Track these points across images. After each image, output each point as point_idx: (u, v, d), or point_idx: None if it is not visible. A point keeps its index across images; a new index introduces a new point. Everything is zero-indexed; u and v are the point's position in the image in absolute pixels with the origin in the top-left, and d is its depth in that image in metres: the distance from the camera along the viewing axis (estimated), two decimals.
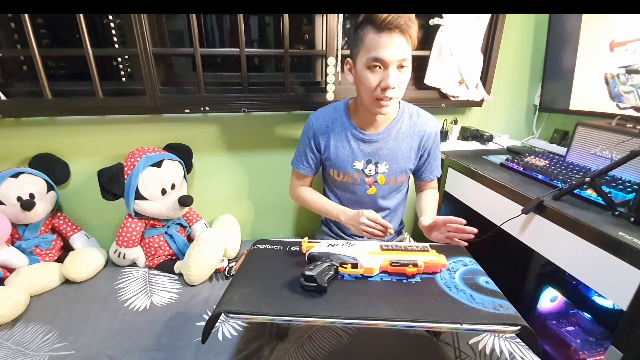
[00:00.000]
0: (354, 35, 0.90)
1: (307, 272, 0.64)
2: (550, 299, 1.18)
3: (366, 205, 1.07)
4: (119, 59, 1.28)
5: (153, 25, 1.18)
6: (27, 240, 1.13)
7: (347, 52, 1.24)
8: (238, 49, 1.18)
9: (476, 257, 0.81)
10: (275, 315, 0.61)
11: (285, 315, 0.61)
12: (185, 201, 1.16)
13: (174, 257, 1.24)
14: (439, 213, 1.34)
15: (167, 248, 1.23)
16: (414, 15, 0.84)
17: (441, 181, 1.26)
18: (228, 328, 0.93)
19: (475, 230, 0.84)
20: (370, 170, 1.03)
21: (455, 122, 1.48)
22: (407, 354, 0.85)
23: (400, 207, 1.16)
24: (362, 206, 1.04)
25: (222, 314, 0.61)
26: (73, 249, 1.21)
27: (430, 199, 1.10)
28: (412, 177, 1.14)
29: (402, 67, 0.87)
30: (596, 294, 1.04)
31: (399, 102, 1.04)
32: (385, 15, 0.81)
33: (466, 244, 0.86)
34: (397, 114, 1.02)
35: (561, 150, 1.29)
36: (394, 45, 0.83)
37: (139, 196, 1.14)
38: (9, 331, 0.93)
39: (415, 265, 0.71)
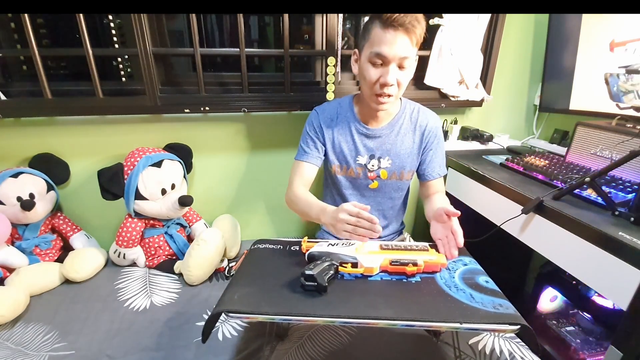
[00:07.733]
0: (364, 27, 0.91)
1: (307, 272, 0.64)
2: (550, 299, 1.18)
3: (367, 203, 1.04)
4: (119, 59, 1.28)
5: (153, 25, 1.18)
6: (27, 240, 1.13)
7: (347, 52, 1.25)
8: (238, 49, 1.18)
9: (476, 257, 0.81)
10: (275, 315, 0.61)
11: (285, 315, 0.61)
12: (185, 201, 1.16)
13: (174, 257, 1.23)
14: None
15: (167, 248, 1.23)
16: (421, 15, 0.84)
17: None
18: (228, 328, 0.93)
19: (460, 243, 0.77)
20: (373, 165, 1.04)
21: (455, 122, 1.48)
22: (407, 353, 0.85)
23: (401, 206, 1.15)
24: (364, 203, 1.01)
25: (222, 313, 0.61)
26: (73, 249, 1.21)
27: (441, 199, 1.02)
28: (415, 178, 1.13)
29: (403, 66, 0.87)
30: (596, 294, 1.04)
31: (400, 99, 1.04)
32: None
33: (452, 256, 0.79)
34: (399, 110, 1.03)
35: (561, 150, 1.29)
36: (397, 43, 0.83)
37: (139, 196, 1.14)
38: (9, 331, 0.93)
39: (415, 264, 0.71)
